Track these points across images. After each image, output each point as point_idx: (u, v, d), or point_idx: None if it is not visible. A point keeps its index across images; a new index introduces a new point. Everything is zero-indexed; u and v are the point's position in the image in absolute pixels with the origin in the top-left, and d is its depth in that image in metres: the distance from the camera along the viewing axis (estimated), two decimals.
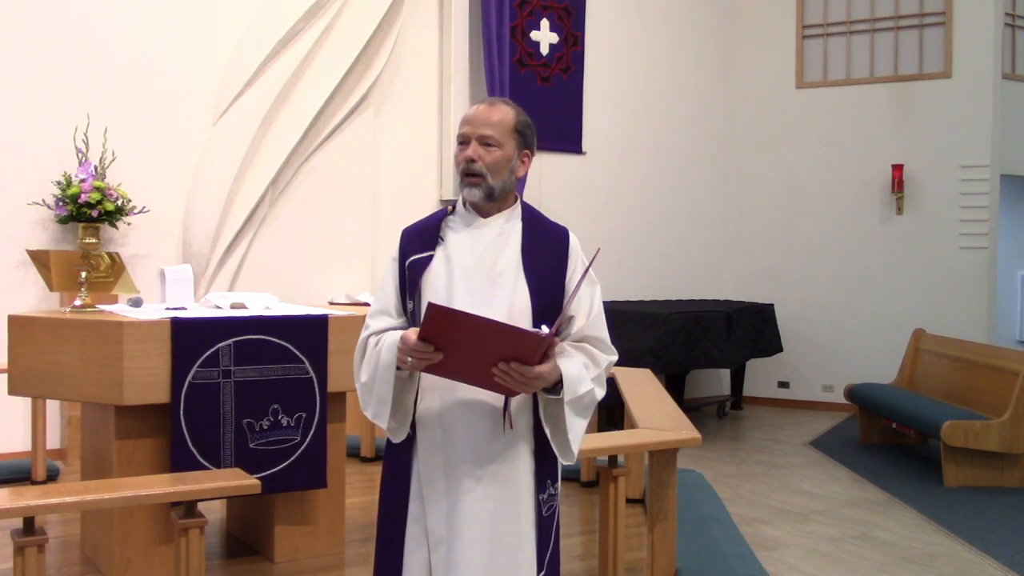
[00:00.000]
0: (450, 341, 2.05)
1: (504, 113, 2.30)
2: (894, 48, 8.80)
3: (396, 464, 2.30)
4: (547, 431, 2.26)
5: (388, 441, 2.33)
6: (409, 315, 2.30)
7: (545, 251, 2.31)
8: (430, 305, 2.00)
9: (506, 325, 2.06)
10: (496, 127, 2.28)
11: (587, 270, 2.23)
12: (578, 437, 2.26)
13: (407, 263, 2.32)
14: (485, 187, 2.26)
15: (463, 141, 2.28)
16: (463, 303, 2.19)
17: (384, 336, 2.27)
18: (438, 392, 2.24)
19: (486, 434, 2.23)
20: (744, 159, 9.38)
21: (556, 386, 2.18)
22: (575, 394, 2.20)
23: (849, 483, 6.19)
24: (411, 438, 2.28)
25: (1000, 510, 5.50)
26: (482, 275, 2.25)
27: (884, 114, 8.81)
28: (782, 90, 9.20)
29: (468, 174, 2.25)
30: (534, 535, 2.28)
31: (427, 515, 2.22)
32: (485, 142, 2.26)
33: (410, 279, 2.30)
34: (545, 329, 2.08)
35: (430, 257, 2.28)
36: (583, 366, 2.24)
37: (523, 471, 2.27)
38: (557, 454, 2.29)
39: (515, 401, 2.24)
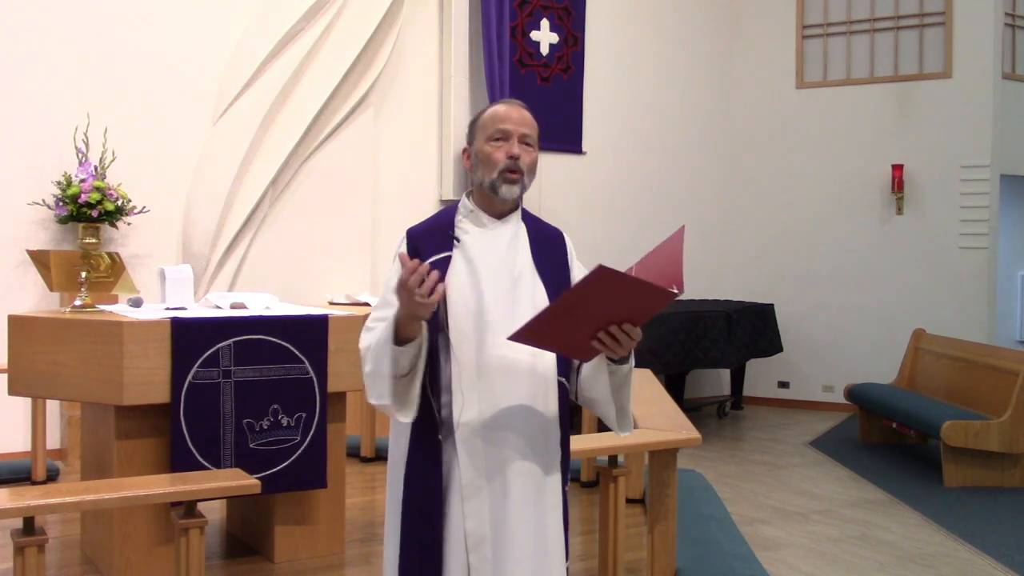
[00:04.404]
0: (584, 304, 2.02)
1: (533, 119, 2.31)
2: (894, 48, 8.80)
3: (424, 468, 2.24)
4: (613, 404, 2.27)
5: (412, 447, 2.26)
6: (434, 318, 2.20)
7: (549, 252, 2.35)
8: (600, 267, 1.92)
9: (652, 283, 2.03)
10: (533, 129, 2.28)
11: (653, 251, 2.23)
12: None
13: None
14: (521, 186, 2.25)
15: (502, 138, 2.24)
16: (492, 303, 2.21)
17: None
18: (477, 399, 2.22)
19: (526, 434, 2.24)
20: (744, 159, 9.38)
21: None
22: (633, 362, 2.26)
23: (849, 483, 6.19)
24: (448, 444, 2.22)
25: (1000, 510, 5.50)
26: (505, 275, 2.26)
27: (884, 114, 8.81)
28: (782, 90, 9.20)
29: (511, 171, 2.22)
30: (563, 527, 2.32)
31: (465, 516, 2.22)
32: (525, 141, 2.25)
33: None
34: (675, 289, 2.08)
35: (448, 258, 2.25)
36: None
37: (555, 465, 2.30)
38: (617, 427, 2.31)
39: (546, 393, 2.26)
